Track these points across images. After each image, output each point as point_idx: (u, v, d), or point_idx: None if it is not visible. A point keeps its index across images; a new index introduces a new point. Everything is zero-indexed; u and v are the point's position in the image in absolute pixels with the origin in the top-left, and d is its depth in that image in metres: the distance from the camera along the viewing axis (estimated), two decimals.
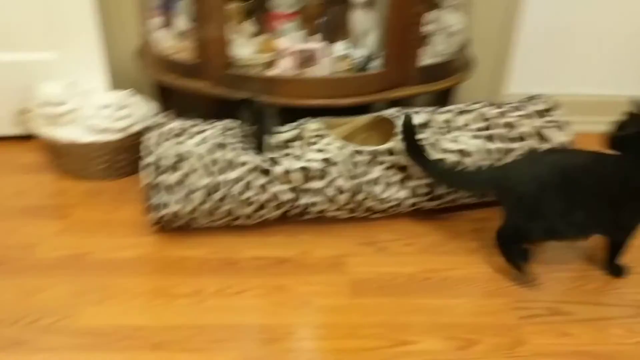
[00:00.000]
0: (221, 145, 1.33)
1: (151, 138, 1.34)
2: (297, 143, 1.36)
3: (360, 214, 1.43)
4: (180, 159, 1.32)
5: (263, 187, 1.34)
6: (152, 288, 1.26)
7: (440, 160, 1.37)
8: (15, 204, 1.51)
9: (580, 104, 1.88)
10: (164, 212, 1.33)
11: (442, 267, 1.34)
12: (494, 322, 1.20)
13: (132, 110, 1.55)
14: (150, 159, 1.32)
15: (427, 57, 1.57)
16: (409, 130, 1.32)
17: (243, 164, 1.33)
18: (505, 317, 1.21)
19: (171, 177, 1.31)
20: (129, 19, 1.72)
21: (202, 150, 1.33)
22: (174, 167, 1.32)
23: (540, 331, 1.18)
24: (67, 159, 1.56)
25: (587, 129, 1.50)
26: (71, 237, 1.40)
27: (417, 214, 1.48)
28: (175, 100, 1.78)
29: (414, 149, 1.33)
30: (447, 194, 1.44)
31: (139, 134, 1.58)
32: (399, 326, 1.18)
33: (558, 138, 1.45)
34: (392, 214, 1.46)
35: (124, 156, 1.59)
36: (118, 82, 1.76)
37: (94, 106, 1.50)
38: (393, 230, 1.45)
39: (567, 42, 1.88)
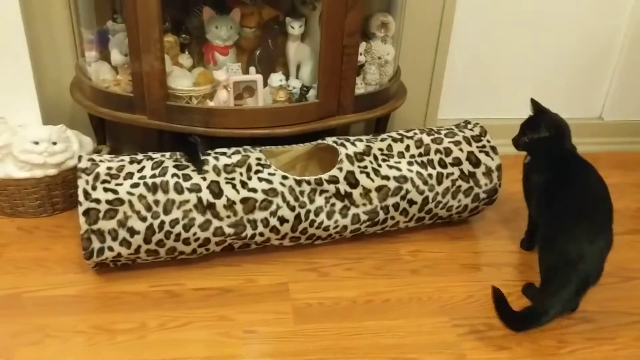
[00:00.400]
0: (162, 184, 1.31)
1: (88, 181, 1.30)
2: (242, 169, 1.37)
3: (303, 241, 1.45)
4: (120, 202, 1.29)
5: (207, 223, 1.33)
6: (92, 325, 1.23)
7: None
8: None
9: (505, 127, 1.99)
10: (105, 255, 1.31)
11: (383, 289, 1.38)
12: (434, 340, 1.24)
13: (67, 145, 1.52)
14: (88, 205, 1.28)
15: (361, 86, 1.63)
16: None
17: (185, 201, 1.32)
18: (445, 334, 1.26)
19: (111, 222, 1.29)
20: (61, 54, 1.70)
21: (142, 191, 1.30)
22: (113, 211, 1.29)
23: (479, 346, 1.23)
24: None
25: (512, 152, 1.58)
26: (4, 276, 1.36)
27: (358, 238, 1.52)
28: (111, 133, 1.77)
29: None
30: (386, 221, 1.48)
31: (74, 169, 1.56)
32: (342, 350, 1.21)
33: (489, 162, 1.53)
34: (334, 239, 1.49)
35: (59, 192, 1.56)
36: (50, 116, 1.73)
37: (27, 141, 1.46)
38: (334, 255, 1.48)
39: (491, 70, 2.00)
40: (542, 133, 1.40)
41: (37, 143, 1.47)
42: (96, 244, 1.30)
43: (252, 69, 1.55)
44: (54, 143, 1.49)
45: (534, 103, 1.45)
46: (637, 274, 1.47)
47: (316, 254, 1.48)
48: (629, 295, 1.40)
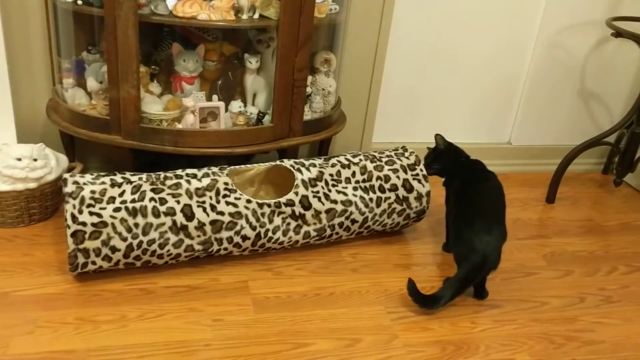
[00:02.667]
0: (141, 208, 1.47)
1: (75, 205, 1.43)
2: (211, 193, 1.54)
3: (260, 252, 1.67)
4: (104, 224, 1.44)
5: (179, 242, 1.51)
6: (77, 318, 1.41)
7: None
8: None
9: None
10: (88, 268, 1.48)
11: (328, 285, 1.62)
12: (372, 325, 1.49)
13: (46, 162, 1.69)
14: (75, 227, 1.42)
15: (308, 113, 1.88)
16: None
17: (162, 224, 1.49)
18: (381, 320, 1.51)
19: (96, 242, 1.44)
20: (37, 81, 1.87)
21: (123, 215, 1.46)
22: (98, 232, 1.44)
23: (409, 329, 1.49)
24: None
25: None
26: None
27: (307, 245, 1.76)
28: (80, 151, 1.94)
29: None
30: (331, 236, 1.71)
31: (52, 183, 1.72)
32: (296, 333, 1.43)
33: (420, 189, 1.78)
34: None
35: (37, 204, 1.71)
36: (24, 136, 1.88)
37: (10, 158, 1.62)
38: (286, 258, 1.71)
39: (417, 102, 2.29)
40: (438, 148, 1.77)
41: (19, 159, 1.63)
42: (81, 260, 1.46)
43: (215, 97, 1.78)
44: (35, 159, 1.66)
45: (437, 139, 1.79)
46: (535, 270, 1.78)
47: (271, 257, 1.70)
48: (528, 287, 1.70)
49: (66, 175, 1.50)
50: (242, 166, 1.70)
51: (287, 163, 1.69)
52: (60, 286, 1.51)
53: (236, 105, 1.78)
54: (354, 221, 1.71)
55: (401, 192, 1.76)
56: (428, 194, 1.79)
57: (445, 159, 1.77)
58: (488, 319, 1.56)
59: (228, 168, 1.63)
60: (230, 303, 1.51)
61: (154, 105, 1.71)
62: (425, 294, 1.53)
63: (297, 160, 1.70)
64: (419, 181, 1.78)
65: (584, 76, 2.36)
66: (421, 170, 1.79)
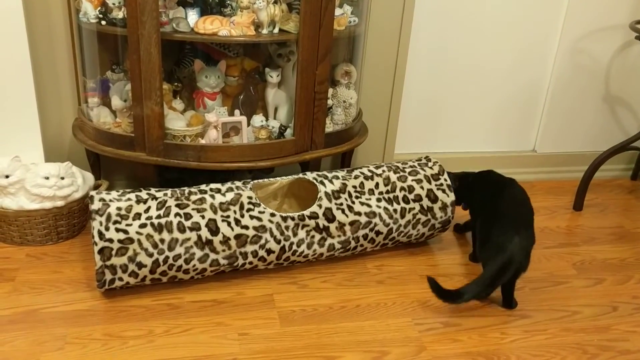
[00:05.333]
0: (167, 224, 1.49)
1: (102, 222, 1.45)
2: (235, 207, 1.55)
3: (285, 265, 1.67)
4: (130, 241, 1.46)
5: (205, 256, 1.52)
6: (106, 333, 1.42)
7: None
8: None
9: (452, 160, 2.28)
10: (116, 284, 1.49)
11: (354, 297, 1.61)
12: (399, 337, 1.48)
13: (72, 180, 1.72)
14: (102, 244, 1.44)
15: (330, 126, 1.88)
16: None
17: (187, 239, 1.50)
18: (408, 331, 1.49)
19: (122, 258, 1.45)
20: (63, 101, 1.91)
21: (149, 231, 1.47)
22: (124, 249, 1.45)
23: (437, 340, 1.47)
24: (10, 227, 1.69)
25: None
26: (22, 296, 1.53)
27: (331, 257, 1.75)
28: (105, 168, 1.97)
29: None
30: (356, 248, 1.70)
31: (79, 201, 1.75)
32: (323, 346, 1.42)
33: (445, 199, 1.76)
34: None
35: (64, 222, 1.74)
36: (51, 155, 1.92)
37: (39, 177, 1.65)
38: (311, 271, 1.70)
39: (439, 111, 2.28)
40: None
41: (47, 178, 1.66)
42: (108, 276, 1.47)
43: (237, 112, 1.79)
44: (62, 178, 1.68)
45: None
46: (565, 279, 1.75)
47: (295, 270, 1.70)
48: (559, 296, 1.67)
49: (92, 193, 1.52)
50: (265, 180, 1.70)
51: (310, 176, 1.69)
52: (88, 302, 1.52)
53: (258, 119, 1.79)
54: (378, 233, 1.70)
55: (425, 202, 1.74)
56: (452, 203, 1.78)
57: (461, 192, 1.83)
58: (518, 329, 1.53)
59: (251, 182, 1.64)
60: (256, 317, 1.51)
61: (177, 121, 1.73)
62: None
63: (319, 173, 1.70)
64: (443, 191, 1.76)
65: (608, 80, 2.33)
66: (445, 180, 1.78)
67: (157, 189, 1.57)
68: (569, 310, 1.61)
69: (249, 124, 1.78)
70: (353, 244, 1.68)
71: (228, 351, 1.39)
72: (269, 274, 1.67)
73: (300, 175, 1.71)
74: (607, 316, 1.60)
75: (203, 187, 1.59)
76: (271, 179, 1.71)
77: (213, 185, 1.60)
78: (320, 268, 1.72)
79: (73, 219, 1.77)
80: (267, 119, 1.82)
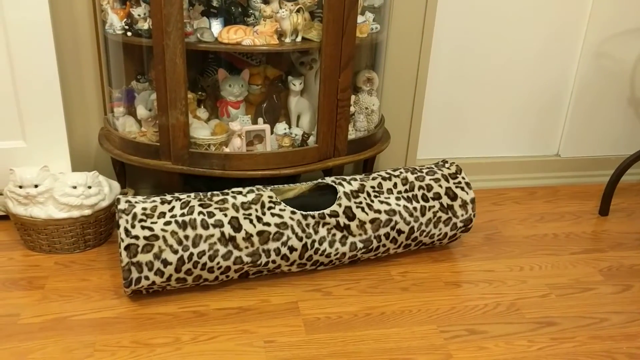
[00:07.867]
0: (190, 221, 1.52)
1: (128, 220, 1.49)
2: (257, 206, 1.59)
3: (308, 267, 1.68)
4: (156, 237, 1.49)
5: (228, 253, 1.55)
6: (134, 341, 1.43)
7: None
8: None
9: (476, 165, 2.27)
10: (142, 284, 1.52)
11: (379, 304, 1.61)
12: (425, 344, 1.47)
13: (99, 189, 1.74)
14: (128, 241, 1.48)
15: (352, 132, 1.89)
16: None
17: (210, 235, 1.53)
18: (434, 339, 1.49)
19: (148, 255, 1.48)
20: (89, 112, 1.94)
21: (174, 228, 1.51)
22: (150, 245, 1.49)
23: (463, 348, 1.46)
24: (39, 236, 1.72)
25: (483, 186, 1.85)
26: (50, 303, 1.55)
27: (355, 263, 1.75)
28: (130, 177, 2.00)
29: None
30: (378, 248, 1.71)
31: (105, 210, 1.78)
32: (349, 354, 1.43)
33: (464, 196, 1.78)
34: (335, 265, 1.72)
35: (91, 230, 1.77)
36: (77, 164, 1.95)
37: (67, 186, 1.68)
38: (335, 278, 1.71)
39: (462, 116, 2.28)
40: None
41: (75, 187, 1.69)
42: (135, 274, 1.50)
43: (260, 120, 1.80)
44: (89, 187, 1.71)
45: None
46: (592, 286, 1.73)
47: (319, 277, 1.71)
48: (586, 303, 1.65)
49: (119, 196, 1.56)
50: (285, 185, 1.72)
51: (328, 180, 1.71)
52: (116, 310, 1.54)
53: (281, 127, 1.80)
54: (400, 232, 1.70)
55: (445, 200, 1.74)
56: (473, 200, 1.77)
57: None
58: (545, 337, 1.51)
59: (271, 187, 1.67)
60: (282, 324, 1.52)
61: (201, 130, 1.75)
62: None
63: (337, 177, 1.73)
64: (462, 189, 1.77)
65: (633, 83, 2.30)
66: (463, 178, 1.78)
67: (180, 193, 1.61)
68: (596, 317, 1.60)
69: (272, 132, 1.80)
70: (375, 243, 1.69)
71: (254, 358, 1.40)
72: (292, 281, 1.68)
73: (319, 180, 1.72)
74: (636, 323, 1.58)
75: (225, 191, 1.62)
76: (291, 185, 1.73)
77: (234, 189, 1.63)
78: (344, 275, 1.72)
79: (100, 227, 1.79)
80: (290, 127, 1.83)
